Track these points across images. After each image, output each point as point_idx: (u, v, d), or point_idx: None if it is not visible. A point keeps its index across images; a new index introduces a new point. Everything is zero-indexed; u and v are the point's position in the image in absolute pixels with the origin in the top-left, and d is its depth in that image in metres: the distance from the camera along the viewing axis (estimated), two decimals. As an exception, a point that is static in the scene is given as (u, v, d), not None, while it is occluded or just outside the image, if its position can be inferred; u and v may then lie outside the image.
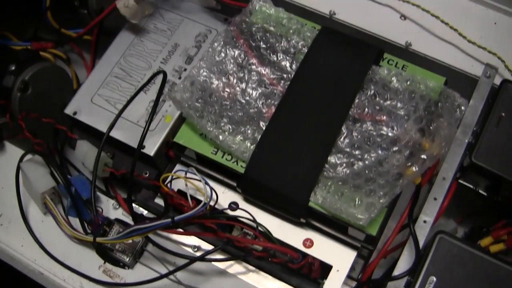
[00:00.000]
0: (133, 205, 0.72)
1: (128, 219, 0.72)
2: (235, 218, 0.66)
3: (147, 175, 0.72)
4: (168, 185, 0.68)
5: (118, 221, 0.72)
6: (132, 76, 0.78)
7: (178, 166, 0.72)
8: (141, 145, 0.64)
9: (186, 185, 0.67)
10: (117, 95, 0.77)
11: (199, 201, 0.64)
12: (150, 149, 0.71)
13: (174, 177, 0.68)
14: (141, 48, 0.80)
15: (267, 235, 0.64)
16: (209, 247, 0.70)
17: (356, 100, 0.67)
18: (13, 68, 0.78)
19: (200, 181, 0.65)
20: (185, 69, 0.77)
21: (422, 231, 0.62)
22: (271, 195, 0.65)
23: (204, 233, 0.65)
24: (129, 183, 0.64)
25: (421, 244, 0.61)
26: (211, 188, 0.64)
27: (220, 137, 0.65)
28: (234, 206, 0.68)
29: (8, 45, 0.85)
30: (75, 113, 0.76)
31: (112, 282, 0.69)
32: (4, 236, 0.73)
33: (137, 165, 0.69)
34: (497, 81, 0.69)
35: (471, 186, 0.66)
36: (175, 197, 0.67)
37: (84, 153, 0.72)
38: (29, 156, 0.73)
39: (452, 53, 0.77)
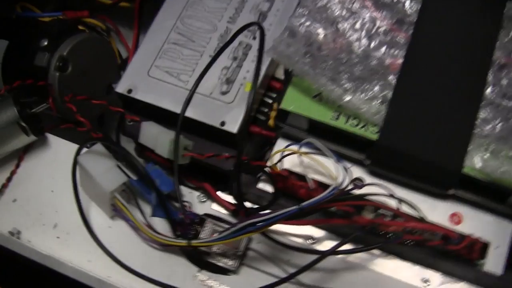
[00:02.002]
0: (221, 194, 0.58)
1: (222, 214, 0.58)
2: (361, 197, 0.53)
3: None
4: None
5: (210, 216, 0.57)
6: (195, 41, 0.63)
7: (280, 142, 0.58)
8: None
9: (301, 163, 0.53)
10: (179, 64, 0.62)
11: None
12: (232, 125, 0.57)
13: (283, 153, 0.53)
14: (201, 7, 0.65)
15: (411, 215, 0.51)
16: (325, 237, 0.57)
17: (498, 43, 0.53)
18: (46, 43, 0.63)
19: (319, 155, 0.51)
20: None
21: None
22: (412, 164, 0.52)
23: (329, 220, 0.51)
24: (237, 164, 0.49)
25: None
26: (341, 163, 0.50)
27: (346, 97, 0.51)
28: (359, 183, 0.54)
29: (35, 17, 0.69)
30: (129, 91, 0.61)
31: (216, 294, 0.55)
32: (65, 251, 0.58)
33: (212, 147, 0.58)
34: None
35: None
36: (290, 179, 0.53)
37: (155, 137, 0.57)
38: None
39: None
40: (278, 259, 0.56)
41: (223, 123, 0.57)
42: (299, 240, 0.57)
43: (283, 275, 0.55)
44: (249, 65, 0.61)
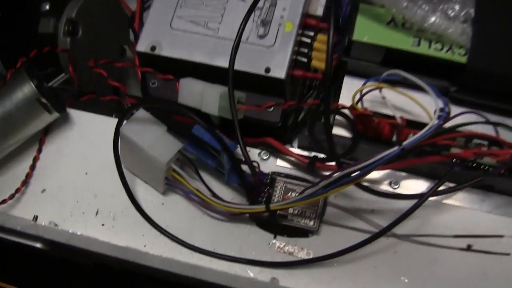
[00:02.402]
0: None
1: (290, 170, 0.51)
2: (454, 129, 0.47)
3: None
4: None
5: (279, 175, 0.50)
6: (218, -18, 0.55)
7: (348, 79, 0.51)
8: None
9: (384, 98, 0.47)
10: (204, 11, 0.54)
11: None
12: (278, 70, 0.50)
13: (363, 91, 0.47)
14: None
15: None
16: (408, 180, 0.51)
17: None
18: (48, 7, 0.54)
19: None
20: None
21: None
22: (506, 84, 0.46)
23: (429, 158, 0.46)
24: (326, 106, 0.43)
25: None
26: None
27: (430, 18, 0.45)
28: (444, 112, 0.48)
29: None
30: (153, 48, 0.53)
31: (300, 260, 0.49)
32: (114, 238, 0.50)
33: (257, 98, 0.51)
34: None
35: None
36: (374, 118, 0.46)
37: (199, 94, 0.49)
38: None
39: None
40: (361, 211, 0.50)
41: (268, 70, 0.50)
42: (383, 187, 0.51)
43: (371, 228, 0.49)
44: (283, 2, 0.53)
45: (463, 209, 0.50)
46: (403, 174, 0.51)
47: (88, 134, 0.54)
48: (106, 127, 0.51)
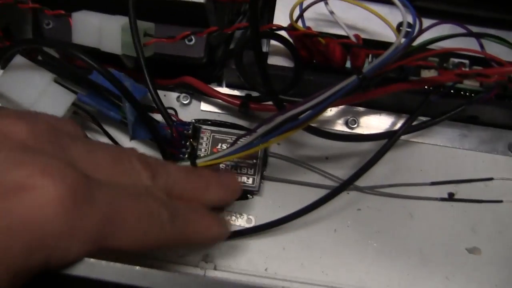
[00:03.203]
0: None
1: (217, 115, 0.40)
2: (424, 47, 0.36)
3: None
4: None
5: (203, 122, 0.39)
6: None
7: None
8: None
9: (332, 12, 0.35)
10: None
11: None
12: None
13: (303, 5, 0.35)
14: None
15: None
16: (368, 116, 0.40)
17: None
18: None
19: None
20: None
21: None
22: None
23: (397, 86, 0.35)
24: (253, 30, 0.30)
25: None
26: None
27: None
28: (414, 26, 0.37)
29: None
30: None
31: (239, 230, 0.38)
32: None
33: (171, 29, 0.38)
34: None
35: None
36: (320, 39, 0.35)
37: (97, 29, 0.37)
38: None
39: None
40: (313, 160, 0.39)
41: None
42: (337, 127, 0.40)
43: (327, 182, 0.38)
44: None
45: (440, 148, 0.40)
46: (361, 109, 0.40)
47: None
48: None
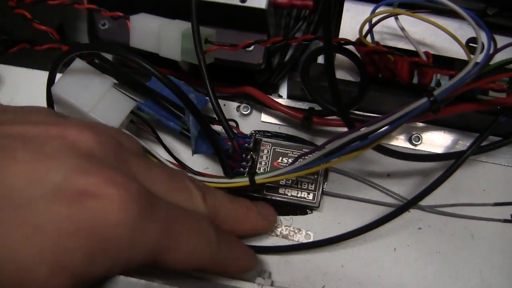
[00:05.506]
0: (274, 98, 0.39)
1: (277, 127, 0.39)
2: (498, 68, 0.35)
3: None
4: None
5: (263, 134, 0.39)
6: None
7: (350, 5, 0.38)
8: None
9: (403, 29, 0.34)
10: None
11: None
12: None
13: (372, 21, 0.34)
14: None
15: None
16: (431, 134, 0.39)
17: None
18: None
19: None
20: None
21: None
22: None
23: (467, 105, 0.34)
24: (326, 41, 0.29)
25: None
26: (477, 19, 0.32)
27: None
28: (488, 46, 0.36)
29: None
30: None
31: (297, 244, 0.37)
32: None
33: (232, 35, 0.39)
34: None
35: None
36: (389, 56, 0.34)
37: (155, 34, 0.36)
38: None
39: None
40: (374, 177, 0.38)
41: (243, -1, 0.37)
42: (400, 144, 0.39)
43: (388, 199, 0.38)
44: None
45: (505, 168, 0.39)
46: (422, 125, 0.39)
47: (18, 95, 0.41)
48: (41, 85, 0.38)
